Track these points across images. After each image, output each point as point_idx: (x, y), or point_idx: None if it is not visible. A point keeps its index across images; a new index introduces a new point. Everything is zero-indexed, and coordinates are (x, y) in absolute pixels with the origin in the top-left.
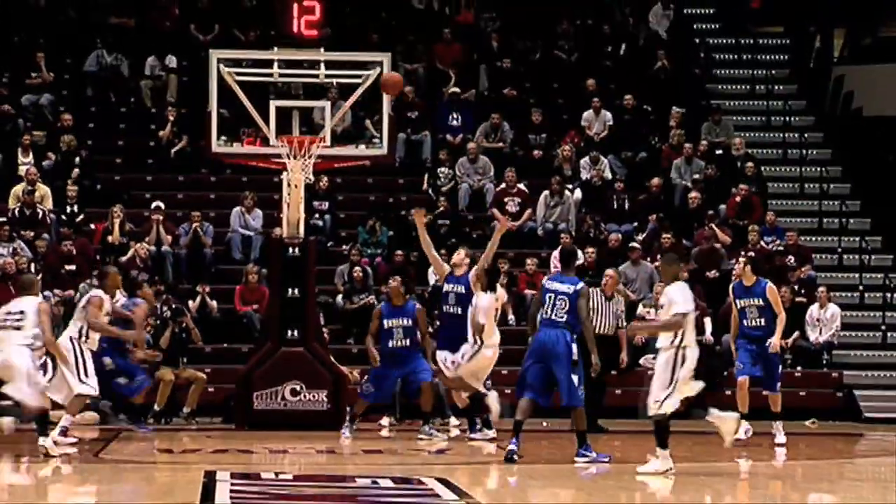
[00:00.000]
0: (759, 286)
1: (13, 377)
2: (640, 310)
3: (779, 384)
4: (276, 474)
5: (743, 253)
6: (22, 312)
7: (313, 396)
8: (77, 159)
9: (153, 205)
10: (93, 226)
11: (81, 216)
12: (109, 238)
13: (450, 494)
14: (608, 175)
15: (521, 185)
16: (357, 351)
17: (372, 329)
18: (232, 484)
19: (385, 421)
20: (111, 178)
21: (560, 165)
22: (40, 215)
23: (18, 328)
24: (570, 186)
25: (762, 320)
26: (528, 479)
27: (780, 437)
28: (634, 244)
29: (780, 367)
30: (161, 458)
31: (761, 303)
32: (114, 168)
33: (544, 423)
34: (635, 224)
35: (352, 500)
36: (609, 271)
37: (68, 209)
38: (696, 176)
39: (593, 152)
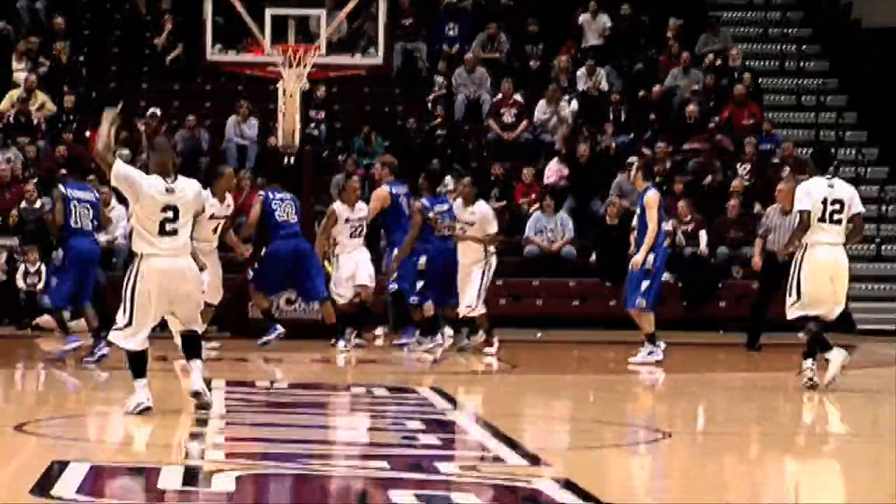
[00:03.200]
0: (643, 194)
1: None
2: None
3: (640, 301)
4: (271, 382)
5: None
6: None
7: (309, 306)
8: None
9: (149, 111)
10: (87, 133)
11: (75, 124)
12: None
13: (443, 402)
14: (605, 86)
15: (518, 96)
16: None
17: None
18: (227, 392)
19: (379, 331)
20: (106, 85)
21: (557, 76)
22: (35, 122)
23: None
24: (566, 97)
25: (637, 233)
26: (521, 389)
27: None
28: (633, 159)
29: (647, 284)
30: (154, 365)
31: (639, 212)
32: (109, 75)
33: (538, 335)
34: (632, 136)
35: (346, 408)
36: (782, 185)
37: (63, 117)
38: (696, 87)
39: (590, 62)
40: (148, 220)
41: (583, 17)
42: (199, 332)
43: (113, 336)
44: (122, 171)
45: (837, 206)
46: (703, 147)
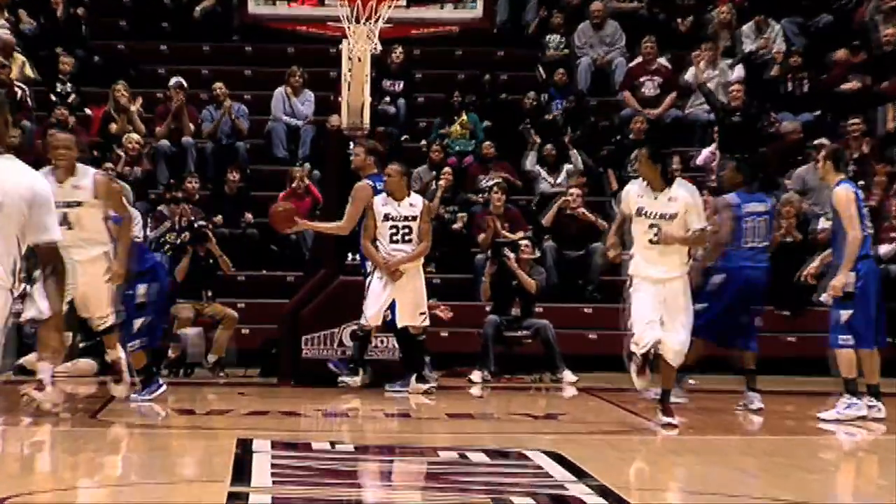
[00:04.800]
0: (834, 190)
1: None
2: (822, 223)
3: (844, 338)
4: (332, 444)
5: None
6: None
7: (381, 342)
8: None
9: (172, 81)
10: (88, 111)
11: (73, 96)
12: (112, 127)
13: (563, 472)
14: (780, 45)
15: (663, 60)
16: (440, 281)
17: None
18: (273, 457)
19: (477, 375)
20: (114, 47)
21: (715, 32)
22: (18, 95)
23: None
24: (728, 61)
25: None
26: (668, 453)
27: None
28: (821, 142)
29: (847, 314)
30: (179, 420)
31: (831, 214)
32: (118, 34)
33: (690, 381)
34: (818, 112)
35: (433, 479)
36: None
37: (58, 88)
38: None
39: (759, 15)
40: None
41: None
42: None
43: None
44: None
45: None
46: None
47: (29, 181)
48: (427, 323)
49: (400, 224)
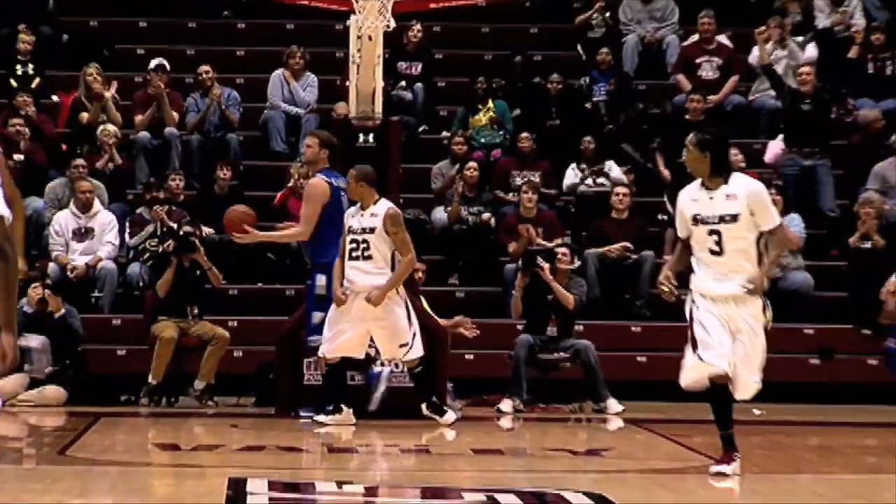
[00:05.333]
0: None
1: None
2: None
3: None
4: (339, 484)
5: None
6: None
7: (397, 366)
8: None
9: (152, 63)
10: (56, 97)
11: (37, 80)
12: (83, 116)
13: None
14: (860, 21)
15: (723, 38)
16: (464, 295)
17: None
18: (270, 499)
19: (507, 404)
20: (85, 24)
21: (783, 6)
22: None
23: None
24: (798, 40)
25: None
26: (733, 496)
27: None
28: None
29: None
30: (161, 457)
31: None
32: (90, 8)
33: (757, 412)
34: None
35: None
36: None
37: (18, 69)
38: None
39: None
40: None
41: None
42: None
43: None
44: None
45: None
46: None
47: None
48: (415, 355)
49: (359, 237)
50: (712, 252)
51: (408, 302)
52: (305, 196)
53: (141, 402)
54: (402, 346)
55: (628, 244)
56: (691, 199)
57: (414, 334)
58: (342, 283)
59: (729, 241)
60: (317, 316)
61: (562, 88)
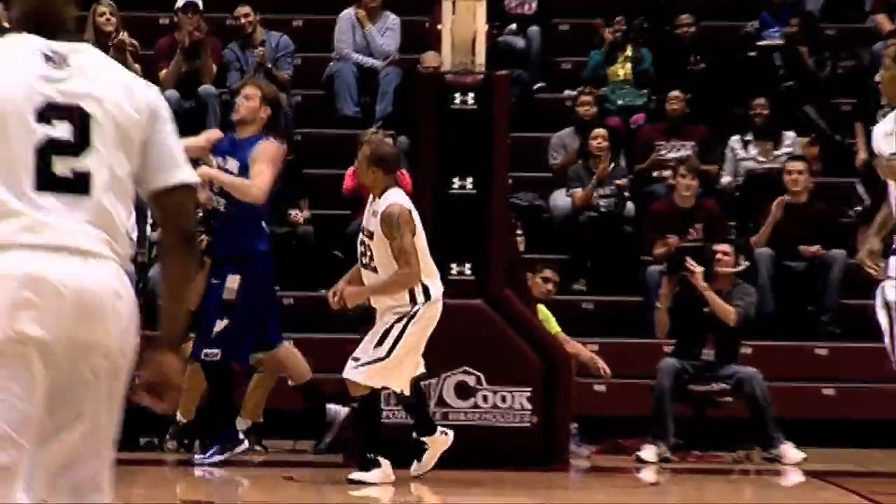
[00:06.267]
0: None
1: None
2: None
3: None
4: None
5: None
6: None
7: (503, 399)
8: None
9: (180, 1)
10: None
11: None
12: None
13: None
14: None
15: None
16: (593, 306)
17: None
18: None
19: (649, 452)
20: None
21: None
22: None
23: None
24: None
25: None
26: None
27: None
28: None
29: None
30: None
31: None
32: None
33: None
34: None
35: None
36: None
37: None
38: None
39: None
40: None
41: None
42: None
43: None
44: None
45: None
46: None
47: (136, 86)
48: (354, 377)
49: (365, 239)
50: None
51: (404, 328)
52: (262, 155)
53: (167, 446)
54: (353, 359)
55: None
56: (886, 135)
57: (376, 361)
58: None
59: None
60: (219, 324)
61: (722, 33)
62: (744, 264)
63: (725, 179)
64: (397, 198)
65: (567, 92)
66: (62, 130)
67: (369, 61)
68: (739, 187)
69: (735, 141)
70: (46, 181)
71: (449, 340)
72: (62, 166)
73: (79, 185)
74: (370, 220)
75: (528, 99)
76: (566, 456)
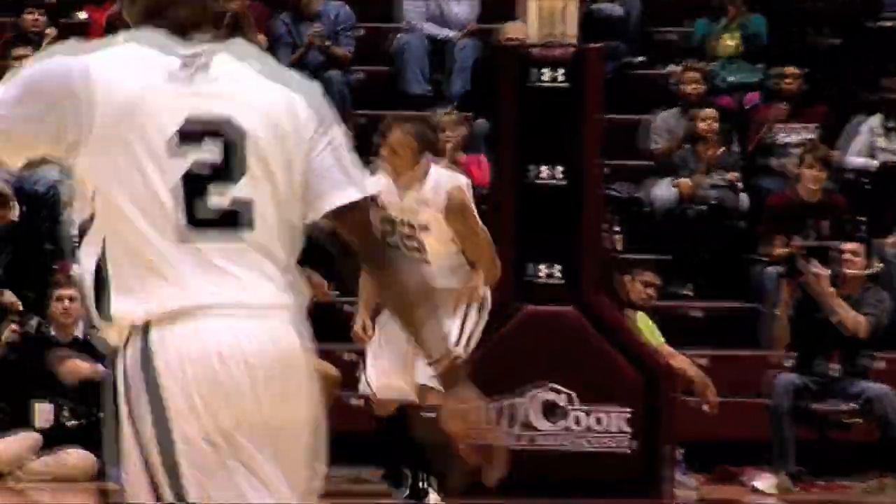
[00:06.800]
0: None
1: None
2: None
3: None
4: None
5: None
6: None
7: (598, 421)
8: None
9: None
10: (83, 14)
11: None
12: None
13: None
14: None
15: None
16: (703, 314)
17: None
18: None
19: (765, 481)
20: None
21: None
22: None
23: None
24: None
25: None
26: None
27: None
28: None
29: None
30: None
31: None
32: None
33: None
34: None
35: None
36: None
37: None
38: None
39: None
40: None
41: None
42: None
43: None
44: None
45: None
46: None
47: (295, 86)
48: (365, 390)
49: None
50: None
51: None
52: None
53: None
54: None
55: None
56: None
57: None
58: None
59: None
60: None
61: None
62: (876, 266)
63: (855, 164)
64: (443, 172)
65: (670, 67)
66: (211, 152)
67: (443, 32)
68: (872, 179)
69: (873, 125)
70: (200, 217)
71: (535, 353)
72: (218, 197)
73: (239, 217)
74: (418, 211)
75: (625, 75)
76: (670, 486)
